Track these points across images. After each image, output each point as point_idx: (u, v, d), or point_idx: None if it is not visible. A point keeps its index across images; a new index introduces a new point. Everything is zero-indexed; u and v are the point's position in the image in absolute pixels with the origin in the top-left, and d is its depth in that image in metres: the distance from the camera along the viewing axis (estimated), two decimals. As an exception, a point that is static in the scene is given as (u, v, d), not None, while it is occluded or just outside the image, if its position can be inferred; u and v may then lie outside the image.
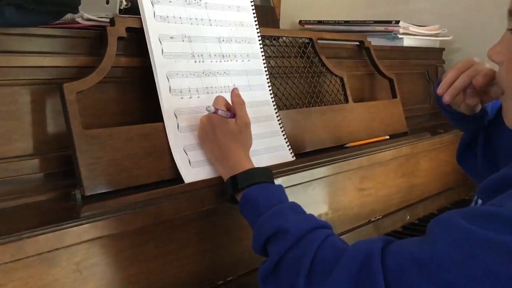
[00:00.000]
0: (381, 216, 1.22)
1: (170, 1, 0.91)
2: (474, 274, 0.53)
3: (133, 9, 0.90)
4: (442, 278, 0.54)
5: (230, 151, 0.82)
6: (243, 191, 0.77)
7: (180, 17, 0.92)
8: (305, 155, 1.07)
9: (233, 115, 0.86)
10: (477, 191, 0.68)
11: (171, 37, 0.89)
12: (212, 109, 0.83)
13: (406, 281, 0.57)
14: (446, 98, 0.81)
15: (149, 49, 0.86)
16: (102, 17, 0.88)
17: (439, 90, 0.82)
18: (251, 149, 0.89)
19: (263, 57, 1.05)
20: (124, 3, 0.91)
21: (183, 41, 0.91)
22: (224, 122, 0.84)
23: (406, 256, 0.58)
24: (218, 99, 0.88)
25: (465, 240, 0.54)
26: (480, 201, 0.67)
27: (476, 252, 0.53)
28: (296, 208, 0.75)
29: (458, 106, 0.84)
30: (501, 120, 0.85)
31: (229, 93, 0.90)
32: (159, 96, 0.86)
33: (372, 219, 1.19)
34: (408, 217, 1.31)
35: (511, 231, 0.53)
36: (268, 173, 0.81)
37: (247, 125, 0.86)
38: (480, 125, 0.89)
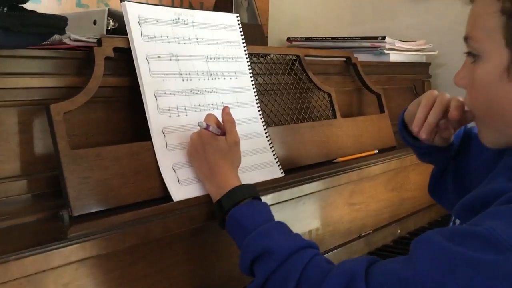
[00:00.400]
0: (371, 231, 1.22)
1: (157, 21, 0.92)
2: None
3: (121, 29, 0.91)
4: None
5: (218, 168, 0.83)
6: (229, 212, 0.77)
7: (167, 36, 0.93)
8: (294, 171, 1.08)
9: (223, 133, 0.86)
10: (454, 211, 0.69)
11: (159, 56, 0.90)
12: (204, 124, 0.83)
13: None
14: (423, 136, 0.81)
15: (136, 69, 0.87)
16: (89, 38, 0.89)
17: (416, 129, 0.82)
18: (241, 166, 0.90)
19: (251, 75, 1.06)
20: (112, 23, 0.92)
21: (170, 60, 0.92)
22: (214, 140, 0.85)
23: (389, 276, 0.58)
24: (209, 116, 0.88)
25: (445, 259, 0.55)
26: (457, 221, 0.68)
27: (456, 271, 0.54)
28: (281, 228, 0.75)
29: (432, 140, 0.85)
30: (467, 147, 0.86)
31: (218, 111, 0.90)
32: (147, 115, 0.86)
33: (363, 234, 1.19)
34: (399, 231, 1.31)
35: (490, 249, 0.53)
36: (252, 190, 0.81)
37: (236, 143, 0.86)
38: (450, 154, 0.90)
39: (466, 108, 0.75)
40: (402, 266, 0.58)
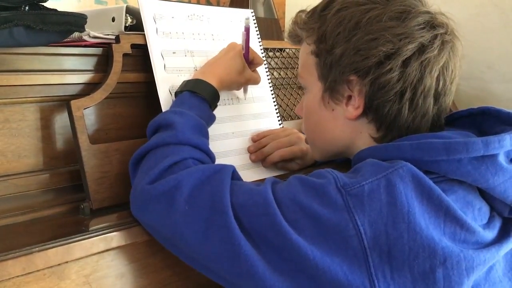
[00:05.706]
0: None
1: (172, 17, 0.93)
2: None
3: (139, 26, 0.92)
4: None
5: (216, 66, 0.87)
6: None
7: (182, 32, 0.94)
8: (310, 166, 1.08)
9: (248, 61, 0.91)
10: None
11: (174, 52, 0.91)
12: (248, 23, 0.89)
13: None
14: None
15: (152, 65, 0.88)
16: (108, 35, 0.90)
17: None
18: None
19: (266, 69, 1.06)
20: (130, 20, 0.93)
21: (185, 56, 0.93)
22: (239, 55, 0.89)
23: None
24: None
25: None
26: None
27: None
28: (199, 128, 0.77)
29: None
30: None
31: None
32: (162, 110, 0.88)
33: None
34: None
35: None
36: (208, 91, 0.83)
37: (249, 80, 0.91)
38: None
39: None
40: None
